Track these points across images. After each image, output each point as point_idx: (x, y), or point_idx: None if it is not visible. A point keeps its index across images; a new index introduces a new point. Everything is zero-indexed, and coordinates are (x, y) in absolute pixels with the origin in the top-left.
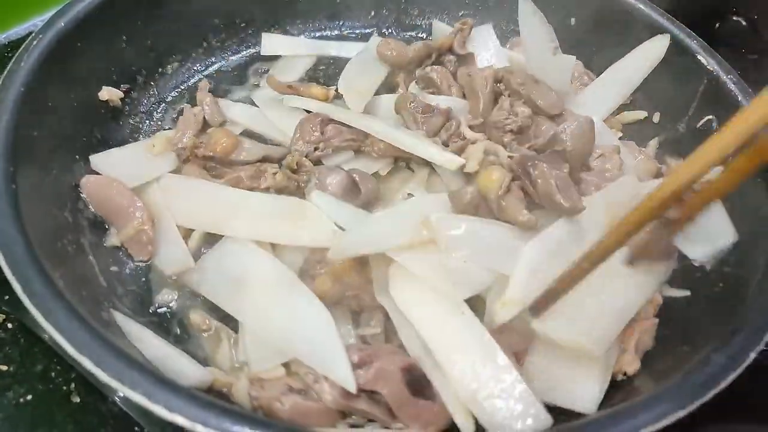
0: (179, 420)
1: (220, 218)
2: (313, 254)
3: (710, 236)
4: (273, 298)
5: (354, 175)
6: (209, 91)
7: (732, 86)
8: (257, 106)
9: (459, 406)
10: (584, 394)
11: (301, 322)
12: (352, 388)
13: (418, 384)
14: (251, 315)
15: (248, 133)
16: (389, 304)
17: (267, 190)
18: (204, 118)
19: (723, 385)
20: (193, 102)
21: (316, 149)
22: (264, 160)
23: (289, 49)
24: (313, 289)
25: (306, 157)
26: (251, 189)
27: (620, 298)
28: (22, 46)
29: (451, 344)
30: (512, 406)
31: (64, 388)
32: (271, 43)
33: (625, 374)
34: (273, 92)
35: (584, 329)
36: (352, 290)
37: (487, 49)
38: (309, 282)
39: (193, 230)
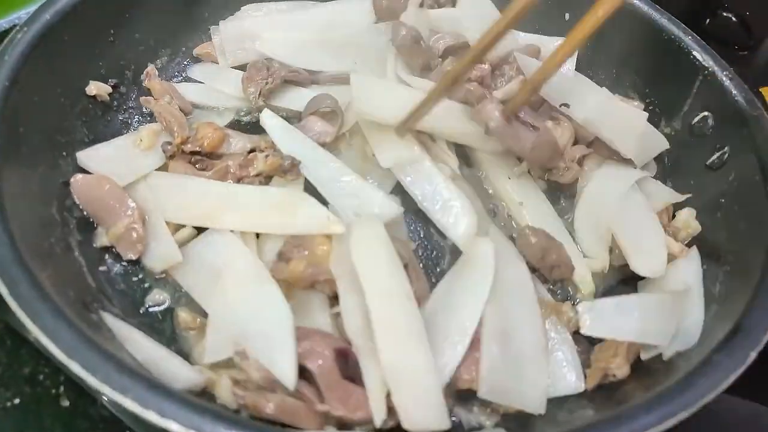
0: (172, 426)
1: (211, 212)
2: (293, 238)
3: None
4: (241, 291)
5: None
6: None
7: (728, 83)
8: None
9: (378, 391)
10: (532, 394)
11: (261, 317)
12: (291, 387)
13: (350, 370)
14: (217, 307)
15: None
16: (342, 275)
17: (257, 177)
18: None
19: (725, 385)
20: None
21: (267, 83)
22: (251, 151)
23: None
24: (287, 271)
25: (259, 95)
26: (240, 178)
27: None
28: (6, 40)
29: (390, 325)
30: (424, 406)
31: (53, 391)
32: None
33: (614, 376)
34: (208, 65)
35: None
36: (325, 275)
37: None
38: (284, 265)
39: (183, 226)
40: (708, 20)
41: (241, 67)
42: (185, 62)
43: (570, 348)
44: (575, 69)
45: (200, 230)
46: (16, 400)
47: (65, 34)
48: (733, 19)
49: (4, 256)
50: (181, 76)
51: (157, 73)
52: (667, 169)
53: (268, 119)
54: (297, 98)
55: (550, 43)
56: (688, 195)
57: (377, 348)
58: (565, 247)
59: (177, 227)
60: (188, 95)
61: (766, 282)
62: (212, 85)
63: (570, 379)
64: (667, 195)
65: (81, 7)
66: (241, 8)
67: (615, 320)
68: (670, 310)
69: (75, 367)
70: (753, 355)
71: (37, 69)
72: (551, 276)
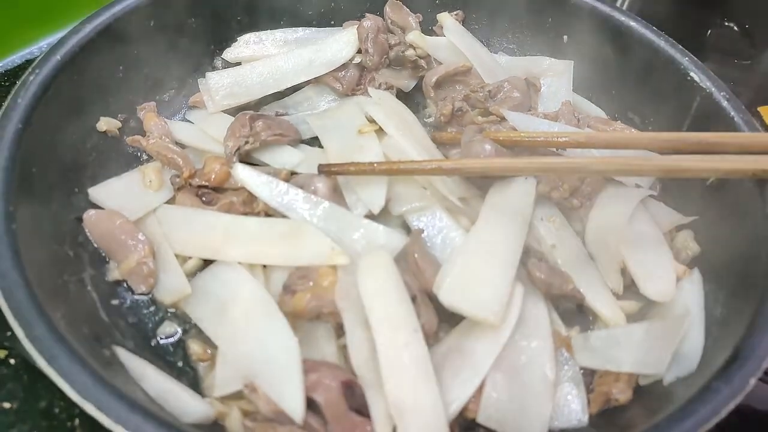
0: None
1: (218, 244)
2: (298, 270)
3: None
4: (248, 324)
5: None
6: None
7: (725, 103)
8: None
9: (384, 424)
10: (532, 425)
11: (268, 350)
12: (299, 420)
13: (357, 401)
14: (226, 340)
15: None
16: (348, 307)
17: (260, 213)
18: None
19: (724, 413)
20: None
21: (247, 143)
22: None
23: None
24: (292, 304)
25: (237, 151)
26: (245, 213)
27: (499, 250)
28: (19, 82)
29: (396, 359)
30: None
31: (68, 424)
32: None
33: (617, 400)
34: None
35: (477, 297)
36: (329, 308)
37: None
38: (288, 297)
39: (191, 258)
40: (709, 31)
41: (233, 112)
42: (191, 95)
43: (577, 381)
44: (573, 90)
45: (207, 260)
46: None
47: (76, 74)
48: (735, 29)
49: (20, 299)
50: (187, 108)
51: (155, 108)
52: (667, 189)
53: (242, 172)
54: (279, 155)
55: (544, 64)
56: (695, 217)
57: (383, 382)
58: (594, 281)
59: (184, 258)
60: (179, 134)
61: (767, 306)
62: (201, 127)
63: (574, 412)
64: (672, 217)
65: (91, 47)
66: (238, 38)
67: (608, 351)
68: (665, 339)
69: (89, 408)
70: (752, 382)
71: (49, 110)
72: (562, 305)
